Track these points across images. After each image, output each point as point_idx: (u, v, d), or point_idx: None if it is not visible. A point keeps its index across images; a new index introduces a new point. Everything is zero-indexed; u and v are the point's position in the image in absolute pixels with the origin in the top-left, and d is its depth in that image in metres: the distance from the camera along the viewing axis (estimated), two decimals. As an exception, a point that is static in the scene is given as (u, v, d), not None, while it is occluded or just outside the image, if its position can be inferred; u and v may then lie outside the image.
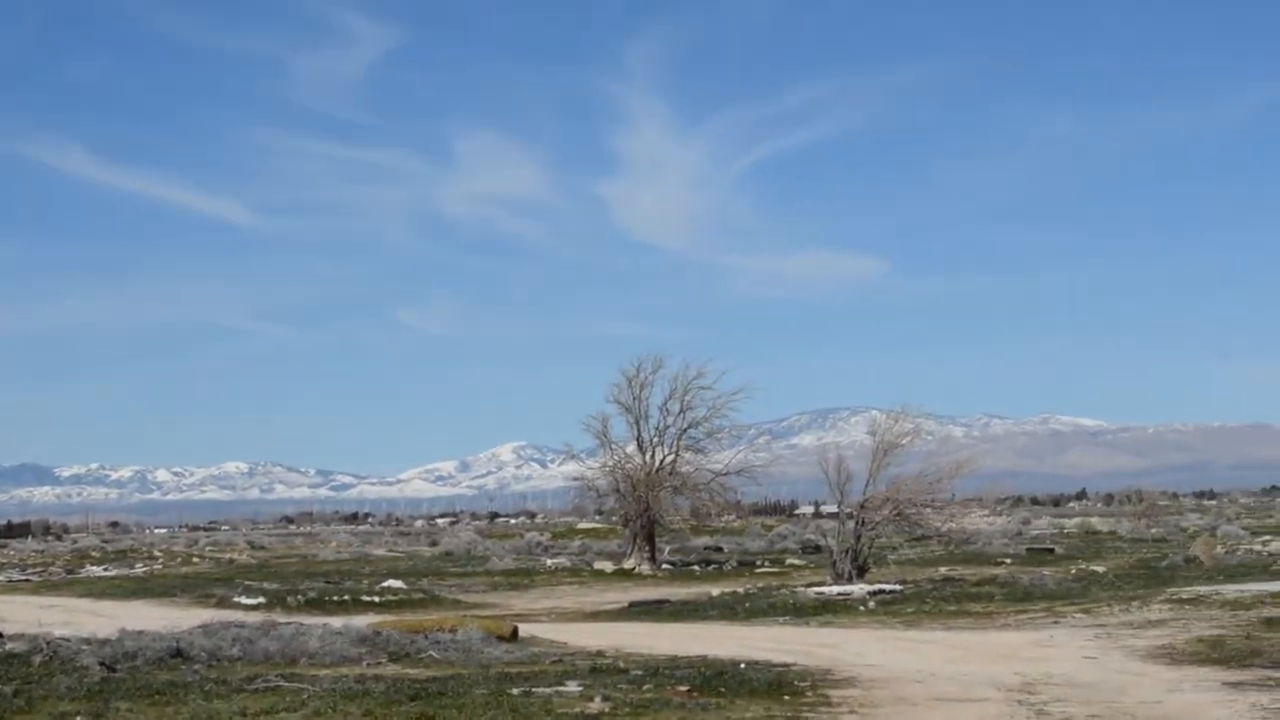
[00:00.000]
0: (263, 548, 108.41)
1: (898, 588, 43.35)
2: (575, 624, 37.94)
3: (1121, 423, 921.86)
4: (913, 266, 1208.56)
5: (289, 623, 30.27)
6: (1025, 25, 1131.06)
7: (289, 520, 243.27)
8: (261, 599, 45.56)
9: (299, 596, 46.17)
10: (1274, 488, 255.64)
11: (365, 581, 55.49)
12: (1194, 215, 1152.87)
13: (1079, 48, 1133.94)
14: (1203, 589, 39.44)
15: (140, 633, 27.15)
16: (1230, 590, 38.52)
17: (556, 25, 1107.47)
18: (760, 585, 50.43)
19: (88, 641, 25.70)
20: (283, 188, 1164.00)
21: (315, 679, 22.17)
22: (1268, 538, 70.10)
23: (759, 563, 67.09)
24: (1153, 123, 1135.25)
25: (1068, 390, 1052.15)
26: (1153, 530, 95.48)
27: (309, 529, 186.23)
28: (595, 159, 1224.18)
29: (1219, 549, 58.08)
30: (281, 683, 21.53)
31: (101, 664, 23.38)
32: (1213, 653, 25.53)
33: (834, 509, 56.23)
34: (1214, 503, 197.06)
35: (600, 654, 27.07)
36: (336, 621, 31.35)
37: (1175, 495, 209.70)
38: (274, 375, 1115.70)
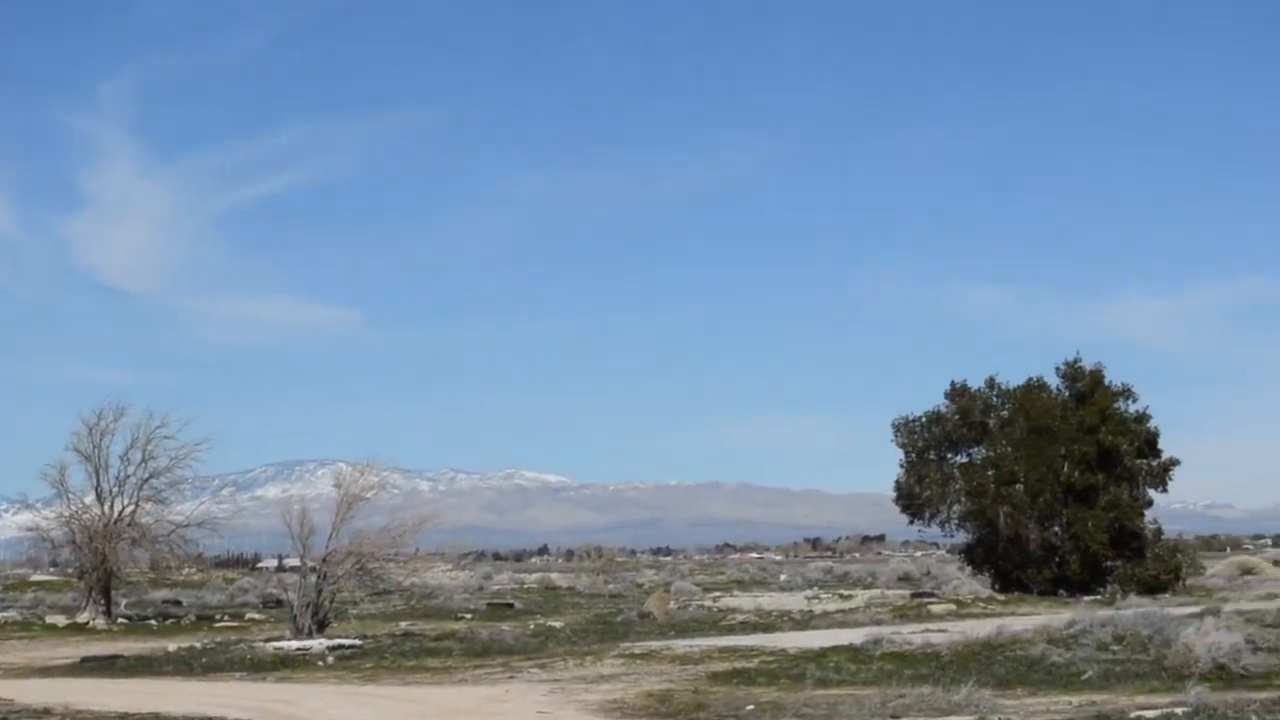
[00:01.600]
0: None
1: (358, 642, 43.29)
2: (24, 680, 36.56)
3: (584, 480, 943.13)
4: (387, 318, 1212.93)
5: None
6: (503, 78, 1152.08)
7: None
8: None
9: None
10: (726, 545, 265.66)
11: None
12: (650, 281, 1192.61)
13: (553, 105, 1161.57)
14: (655, 644, 40.70)
15: None
16: (681, 645, 39.85)
17: (24, 57, 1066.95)
18: (219, 640, 49.59)
19: None
20: None
21: None
22: (718, 593, 72.68)
23: (219, 617, 65.90)
24: (613, 189, 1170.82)
25: (532, 447, 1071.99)
26: (610, 586, 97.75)
27: None
28: (61, 197, 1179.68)
29: (672, 605, 59.92)
30: None
31: None
32: (661, 706, 26.38)
33: (297, 562, 55.73)
34: (670, 559, 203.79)
35: (48, 711, 26.23)
36: None
37: (634, 552, 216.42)
38: None
